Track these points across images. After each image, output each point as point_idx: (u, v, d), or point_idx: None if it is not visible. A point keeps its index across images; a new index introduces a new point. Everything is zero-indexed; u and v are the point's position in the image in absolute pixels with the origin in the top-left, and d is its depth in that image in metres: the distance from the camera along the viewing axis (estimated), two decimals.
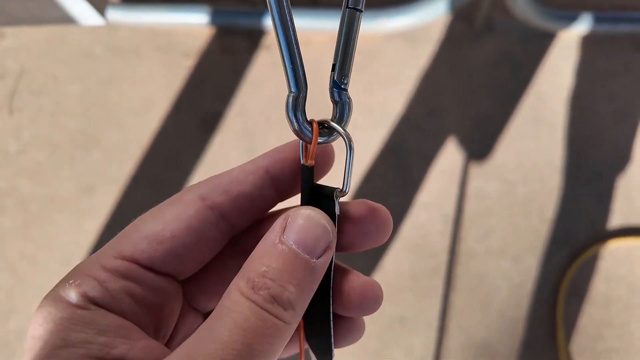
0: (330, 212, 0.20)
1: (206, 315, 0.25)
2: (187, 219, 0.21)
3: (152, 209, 0.21)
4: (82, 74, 0.76)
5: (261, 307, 0.18)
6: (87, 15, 0.51)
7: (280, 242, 0.19)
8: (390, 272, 0.70)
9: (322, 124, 0.20)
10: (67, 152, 0.75)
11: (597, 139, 0.74)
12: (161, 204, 0.22)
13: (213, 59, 0.76)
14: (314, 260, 0.19)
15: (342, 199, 0.21)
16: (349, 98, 0.20)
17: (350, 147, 0.20)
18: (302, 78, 0.19)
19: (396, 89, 0.74)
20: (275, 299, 0.18)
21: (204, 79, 0.75)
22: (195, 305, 0.24)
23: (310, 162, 0.20)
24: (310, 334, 0.23)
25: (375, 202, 0.22)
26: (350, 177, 0.20)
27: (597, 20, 0.75)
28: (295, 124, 0.20)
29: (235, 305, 0.18)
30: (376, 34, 0.75)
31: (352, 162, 0.20)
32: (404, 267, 0.70)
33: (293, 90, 0.19)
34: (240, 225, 0.23)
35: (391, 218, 0.22)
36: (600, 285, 0.70)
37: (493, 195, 0.72)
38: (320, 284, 0.20)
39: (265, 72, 0.74)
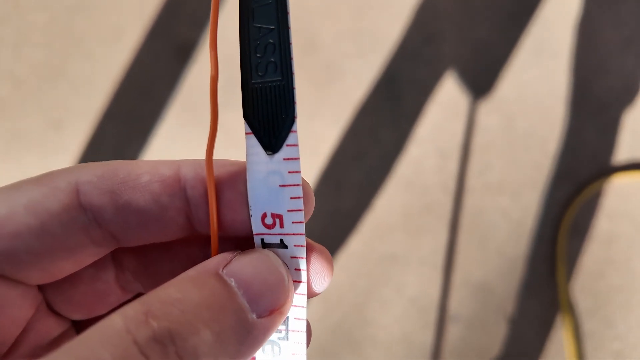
0: None
1: (75, 322, 0.18)
2: (45, 215, 0.14)
3: (14, 182, 0.15)
4: (46, 1, 0.70)
5: (139, 348, 0.11)
6: None
7: (217, 274, 0.13)
8: (381, 210, 0.66)
9: None
10: (32, 85, 0.69)
11: (603, 69, 0.69)
12: (25, 180, 0.15)
13: None
14: (253, 315, 0.13)
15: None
16: None
17: None
18: None
19: (389, 13, 0.69)
20: (172, 339, 0.11)
21: (179, 4, 0.69)
22: (58, 310, 0.17)
23: None
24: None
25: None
26: None
27: None
28: None
29: (100, 334, 0.11)
30: None
31: None
32: (396, 205, 0.66)
33: None
34: (127, 242, 0.16)
35: (331, 259, 0.16)
36: (603, 222, 0.66)
37: (492, 128, 0.67)
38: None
39: None
